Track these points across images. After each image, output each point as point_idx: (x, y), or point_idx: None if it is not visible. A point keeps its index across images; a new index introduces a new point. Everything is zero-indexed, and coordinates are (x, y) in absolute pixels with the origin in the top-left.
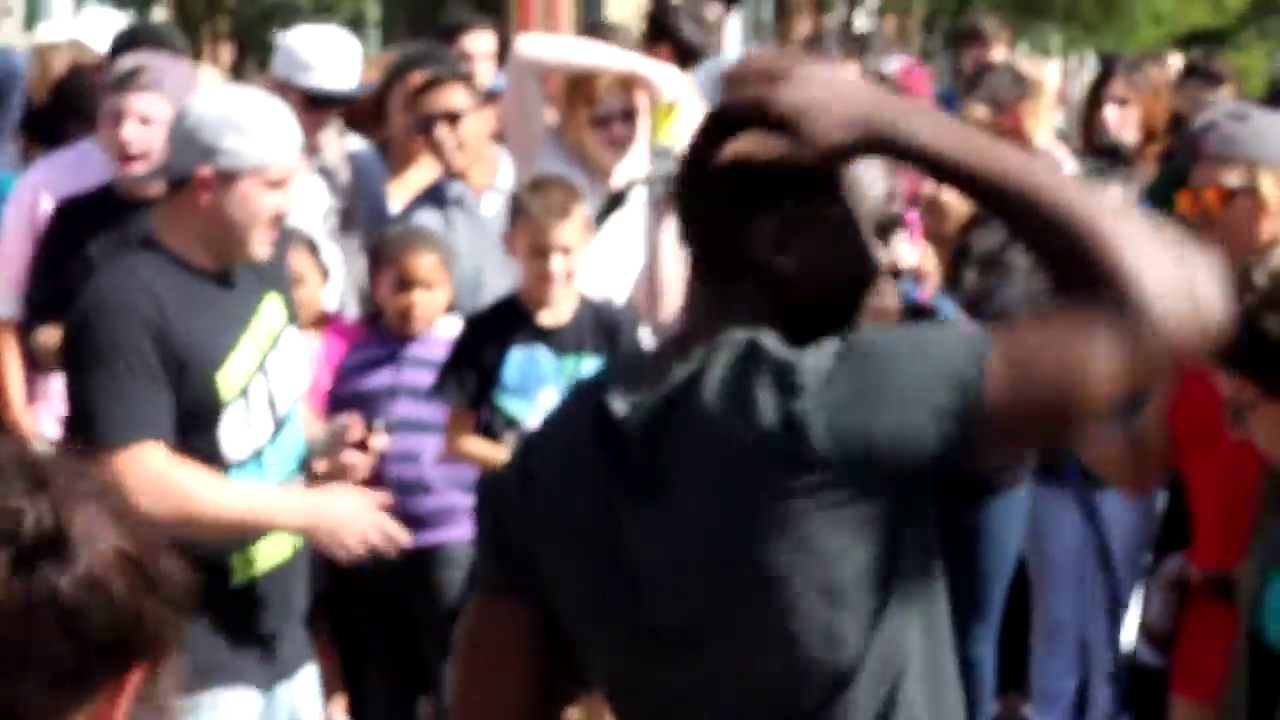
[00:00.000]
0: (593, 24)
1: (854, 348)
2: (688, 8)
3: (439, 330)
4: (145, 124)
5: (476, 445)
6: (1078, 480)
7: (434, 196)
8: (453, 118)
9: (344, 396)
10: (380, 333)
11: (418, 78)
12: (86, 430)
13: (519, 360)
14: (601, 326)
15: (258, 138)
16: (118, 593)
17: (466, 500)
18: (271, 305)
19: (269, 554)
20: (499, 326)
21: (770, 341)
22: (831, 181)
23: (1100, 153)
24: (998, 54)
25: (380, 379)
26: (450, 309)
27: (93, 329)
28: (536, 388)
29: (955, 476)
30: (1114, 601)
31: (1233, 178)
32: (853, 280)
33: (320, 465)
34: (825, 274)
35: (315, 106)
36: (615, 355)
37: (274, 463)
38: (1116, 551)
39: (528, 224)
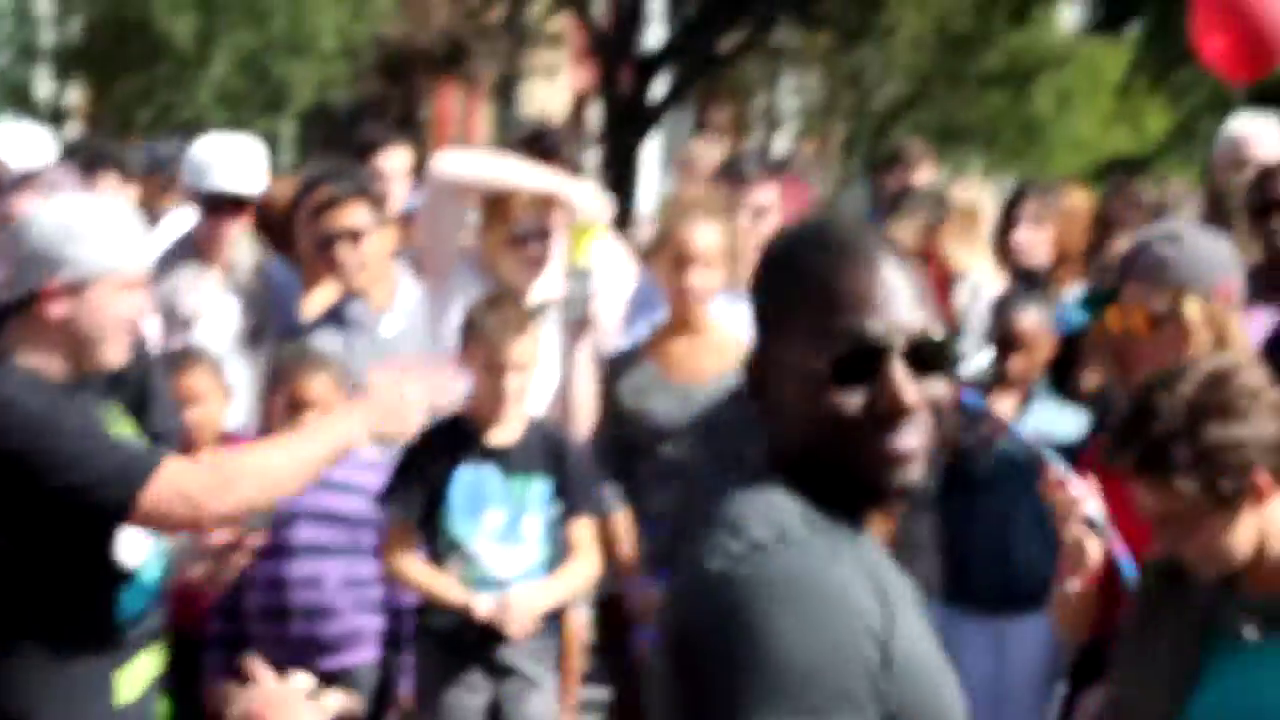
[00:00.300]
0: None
1: (775, 571)
2: (567, 129)
3: None
4: None
5: (418, 571)
6: (987, 604)
7: (335, 317)
8: (354, 236)
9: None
10: None
11: (323, 193)
12: (102, 498)
13: (467, 480)
14: (550, 447)
15: (101, 244)
16: None
17: (372, 623)
18: (114, 414)
19: (142, 673)
20: (446, 444)
21: (760, 497)
22: (811, 326)
23: (1015, 275)
24: (923, 177)
25: (278, 502)
26: None
27: (26, 431)
28: (482, 508)
29: None
30: None
31: (1159, 303)
32: (814, 435)
33: (192, 571)
34: (792, 423)
35: (221, 210)
36: (564, 475)
37: (150, 570)
38: (1021, 679)
39: (482, 341)
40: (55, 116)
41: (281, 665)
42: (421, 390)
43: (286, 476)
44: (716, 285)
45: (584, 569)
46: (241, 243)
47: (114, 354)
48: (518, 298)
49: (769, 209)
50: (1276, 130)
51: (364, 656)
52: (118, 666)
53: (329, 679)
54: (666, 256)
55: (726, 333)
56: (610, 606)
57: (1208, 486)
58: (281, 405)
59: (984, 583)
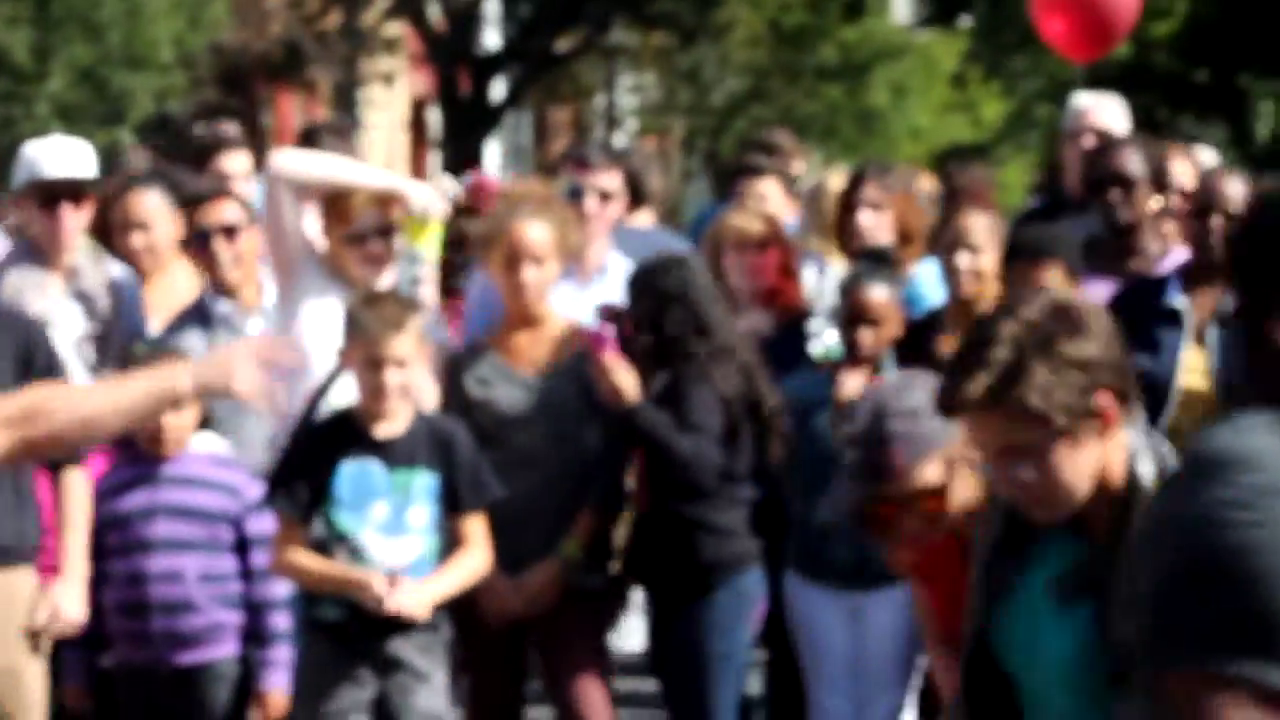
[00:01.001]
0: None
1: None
2: (333, 125)
3: (194, 447)
4: None
5: (306, 559)
6: (843, 579)
7: (198, 315)
8: (229, 231)
9: (102, 519)
10: (135, 453)
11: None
12: None
13: (351, 473)
14: (435, 440)
15: None
16: None
17: (232, 617)
18: None
19: None
20: (331, 439)
21: (1268, 436)
22: None
23: (860, 255)
24: (795, 168)
25: (136, 500)
26: (205, 425)
27: None
28: (368, 501)
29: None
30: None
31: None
32: None
33: None
34: None
35: (56, 200)
36: (452, 469)
37: None
38: (879, 654)
39: (362, 337)
40: None
41: (141, 661)
42: (257, 353)
43: (103, 415)
44: (551, 278)
45: (474, 562)
46: (82, 247)
47: None
48: (396, 294)
49: (614, 193)
50: (1118, 104)
51: (224, 651)
52: None
53: (189, 674)
54: (499, 254)
55: (564, 321)
56: (461, 598)
57: (1059, 407)
58: None
59: (839, 557)
